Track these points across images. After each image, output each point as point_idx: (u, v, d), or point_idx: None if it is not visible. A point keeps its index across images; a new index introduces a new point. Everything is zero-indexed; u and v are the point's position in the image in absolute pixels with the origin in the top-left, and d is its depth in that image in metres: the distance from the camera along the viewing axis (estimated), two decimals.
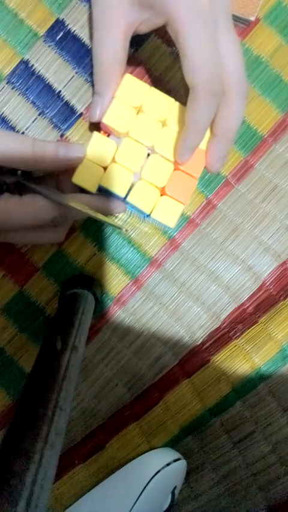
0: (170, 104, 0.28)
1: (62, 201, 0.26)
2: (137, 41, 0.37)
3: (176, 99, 0.29)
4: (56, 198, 0.26)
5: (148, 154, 0.29)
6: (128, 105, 0.28)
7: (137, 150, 0.28)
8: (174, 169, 0.28)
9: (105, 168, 0.29)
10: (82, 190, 0.29)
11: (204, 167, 0.29)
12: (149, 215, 0.29)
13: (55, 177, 0.31)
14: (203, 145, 0.28)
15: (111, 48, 0.27)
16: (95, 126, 0.34)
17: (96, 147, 0.28)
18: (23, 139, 0.25)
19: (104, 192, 0.31)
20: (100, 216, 0.28)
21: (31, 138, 0.26)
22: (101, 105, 0.29)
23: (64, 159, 0.27)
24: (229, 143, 0.28)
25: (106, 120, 0.28)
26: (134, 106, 0.28)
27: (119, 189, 0.28)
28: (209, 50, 0.24)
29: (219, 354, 0.41)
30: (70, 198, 0.27)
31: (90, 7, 0.37)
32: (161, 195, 0.29)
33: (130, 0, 0.25)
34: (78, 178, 0.28)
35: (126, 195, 0.29)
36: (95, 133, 0.29)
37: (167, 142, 0.28)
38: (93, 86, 0.38)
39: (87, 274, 0.40)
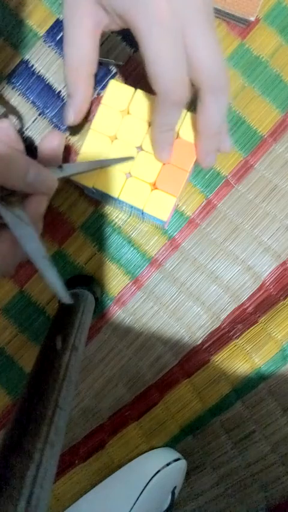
0: (155, 104, 0.28)
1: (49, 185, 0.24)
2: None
3: None
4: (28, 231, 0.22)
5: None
6: (114, 109, 0.28)
7: (127, 152, 0.28)
8: (165, 164, 0.29)
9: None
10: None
11: (196, 161, 0.29)
12: (143, 211, 0.29)
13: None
14: (191, 138, 0.28)
15: (79, 47, 0.26)
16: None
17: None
18: None
19: (98, 194, 0.32)
20: (105, 164, 0.28)
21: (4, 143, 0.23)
22: (72, 107, 0.28)
23: (33, 181, 0.23)
24: (213, 139, 0.27)
25: (94, 127, 0.29)
26: (120, 110, 0.28)
27: (112, 190, 0.29)
28: (169, 57, 0.22)
29: (219, 354, 0.41)
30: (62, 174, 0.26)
31: None
32: (152, 190, 0.29)
33: (95, 0, 0.24)
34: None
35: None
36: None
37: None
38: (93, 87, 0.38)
39: (87, 274, 0.40)
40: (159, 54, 0.22)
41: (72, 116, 0.29)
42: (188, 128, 0.28)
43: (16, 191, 0.23)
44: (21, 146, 0.26)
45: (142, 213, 0.30)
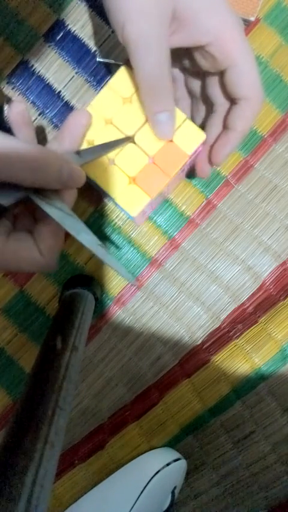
0: None
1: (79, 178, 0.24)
2: None
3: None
4: (70, 221, 0.23)
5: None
6: (117, 94, 0.28)
7: (117, 137, 0.28)
8: (150, 163, 0.29)
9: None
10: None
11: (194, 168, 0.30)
12: (114, 200, 0.29)
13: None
14: (183, 145, 0.28)
15: (157, 60, 0.25)
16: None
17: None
18: (27, 145, 0.22)
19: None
20: (116, 145, 0.28)
21: (36, 144, 0.23)
22: (169, 121, 0.27)
23: (66, 180, 0.23)
24: (239, 142, 0.29)
25: (93, 106, 0.28)
26: (123, 97, 0.28)
27: (92, 173, 0.28)
28: (256, 66, 0.25)
29: (219, 354, 0.41)
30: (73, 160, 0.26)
31: (92, 9, 0.37)
32: (130, 183, 0.29)
33: (166, 19, 0.24)
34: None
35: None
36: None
37: (148, 137, 0.28)
38: (93, 87, 0.38)
39: (87, 274, 0.40)
40: (253, 62, 0.25)
41: (171, 130, 0.28)
42: (184, 134, 0.28)
43: None
44: (33, 129, 0.26)
45: (115, 203, 0.30)
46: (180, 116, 0.28)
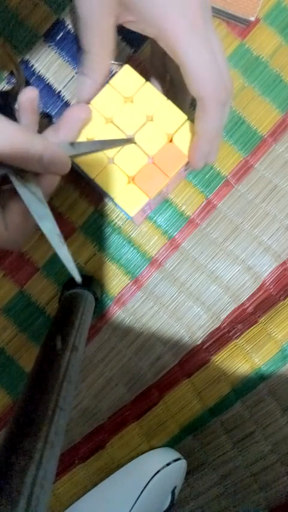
0: (161, 102, 0.28)
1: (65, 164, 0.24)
2: (137, 42, 0.37)
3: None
4: (38, 206, 0.23)
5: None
6: (119, 93, 0.28)
7: (116, 137, 0.28)
8: (150, 163, 0.29)
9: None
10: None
11: (188, 164, 0.30)
12: (113, 199, 0.29)
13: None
14: (183, 147, 0.28)
15: (99, 34, 0.26)
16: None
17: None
18: (13, 124, 0.22)
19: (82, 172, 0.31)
20: (115, 144, 0.28)
21: (22, 126, 0.23)
22: (91, 84, 0.27)
23: (47, 164, 0.23)
24: (210, 143, 0.27)
25: (94, 104, 0.28)
26: (125, 96, 0.28)
27: (91, 171, 0.28)
28: (209, 60, 0.23)
29: (219, 354, 0.41)
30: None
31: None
32: (129, 183, 0.29)
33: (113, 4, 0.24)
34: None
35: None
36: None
37: (149, 137, 0.28)
38: None
39: (87, 274, 0.40)
40: (202, 58, 0.23)
41: (87, 95, 0.28)
42: (184, 135, 0.28)
43: None
44: (37, 118, 0.27)
45: (114, 202, 0.30)
46: (181, 116, 0.28)
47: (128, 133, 0.28)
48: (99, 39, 0.26)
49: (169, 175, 0.29)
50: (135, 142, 0.29)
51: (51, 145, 0.23)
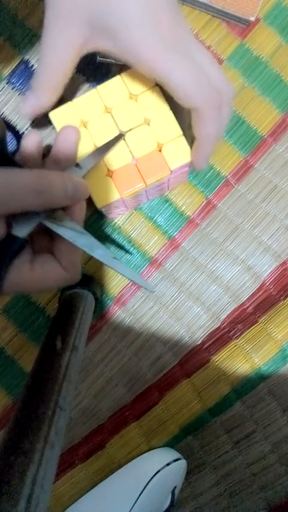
0: (162, 110, 0.28)
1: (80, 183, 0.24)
2: None
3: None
4: (79, 230, 0.24)
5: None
6: (126, 88, 0.28)
7: (109, 128, 0.29)
8: (133, 163, 0.29)
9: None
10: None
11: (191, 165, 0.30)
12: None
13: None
14: (169, 158, 0.28)
15: (61, 56, 0.25)
16: None
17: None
18: (27, 171, 0.22)
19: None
20: (109, 147, 0.28)
21: (36, 170, 0.23)
22: (34, 102, 0.27)
23: (72, 195, 0.24)
24: (211, 146, 0.28)
25: (99, 89, 0.28)
26: (131, 92, 0.28)
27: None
28: (193, 72, 0.23)
29: (219, 354, 0.41)
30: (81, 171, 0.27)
31: None
32: (106, 175, 0.29)
33: (89, 19, 0.23)
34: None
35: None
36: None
37: (139, 139, 0.28)
38: (93, 87, 0.38)
39: (87, 274, 0.40)
40: (183, 73, 0.23)
41: (29, 111, 0.28)
42: (173, 149, 0.28)
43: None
44: (41, 158, 0.27)
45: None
46: (177, 131, 0.28)
47: (121, 129, 0.28)
48: (57, 59, 0.25)
49: (147, 182, 0.29)
50: (124, 139, 0.28)
51: (68, 176, 0.24)
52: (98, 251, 0.24)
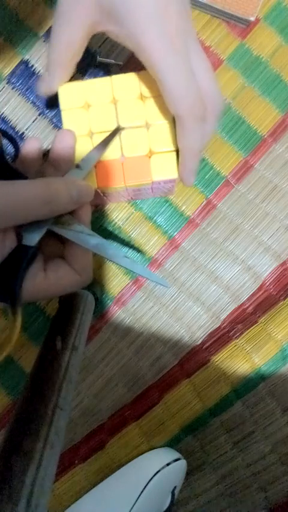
0: (166, 119, 0.28)
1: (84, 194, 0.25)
2: None
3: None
4: (87, 232, 0.24)
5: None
6: (139, 88, 0.28)
7: (108, 120, 0.29)
8: (120, 162, 0.29)
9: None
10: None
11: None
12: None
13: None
14: (154, 170, 0.28)
15: (70, 33, 0.26)
16: None
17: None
18: (33, 182, 0.22)
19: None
20: (108, 142, 0.28)
21: (42, 180, 0.23)
22: (47, 80, 0.28)
23: (78, 199, 0.24)
24: (196, 159, 0.28)
25: (114, 78, 0.28)
26: (142, 93, 0.28)
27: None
28: (185, 78, 0.23)
29: (219, 354, 0.41)
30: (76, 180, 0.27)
31: None
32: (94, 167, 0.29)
33: (98, 5, 0.24)
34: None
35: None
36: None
37: (134, 139, 0.28)
38: None
39: None
40: (177, 76, 0.23)
41: (43, 90, 0.29)
42: (163, 161, 0.28)
43: None
44: (41, 164, 0.27)
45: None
46: (171, 144, 0.28)
47: (121, 124, 0.28)
48: (67, 37, 0.26)
49: (127, 183, 0.28)
50: (120, 134, 0.28)
51: (71, 181, 0.24)
52: (109, 251, 0.24)
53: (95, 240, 0.24)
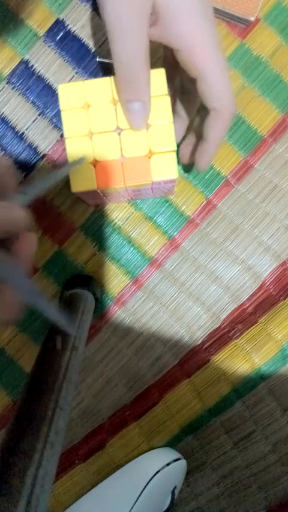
0: (166, 120, 0.28)
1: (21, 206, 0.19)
2: None
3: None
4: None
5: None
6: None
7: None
8: (120, 162, 0.28)
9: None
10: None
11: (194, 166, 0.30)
12: (68, 168, 0.28)
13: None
14: (154, 171, 0.28)
15: (132, 46, 0.24)
16: None
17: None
18: None
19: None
20: (62, 173, 0.25)
21: None
22: (141, 111, 0.26)
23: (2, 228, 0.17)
24: (217, 147, 0.30)
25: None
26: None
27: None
28: (228, 76, 0.25)
29: (219, 354, 0.41)
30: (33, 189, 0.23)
31: (92, 9, 0.37)
32: (91, 163, 0.28)
33: (147, 7, 0.22)
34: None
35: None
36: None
37: (134, 140, 0.28)
38: None
39: (87, 274, 0.40)
40: (221, 75, 0.25)
41: (142, 120, 0.27)
42: (162, 162, 0.28)
43: None
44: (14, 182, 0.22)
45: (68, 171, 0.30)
46: (172, 145, 0.28)
47: (120, 125, 0.28)
48: (131, 47, 0.23)
49: (127, 183, 0.28)
50: (120, 133, 0.28)
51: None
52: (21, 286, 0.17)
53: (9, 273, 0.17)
